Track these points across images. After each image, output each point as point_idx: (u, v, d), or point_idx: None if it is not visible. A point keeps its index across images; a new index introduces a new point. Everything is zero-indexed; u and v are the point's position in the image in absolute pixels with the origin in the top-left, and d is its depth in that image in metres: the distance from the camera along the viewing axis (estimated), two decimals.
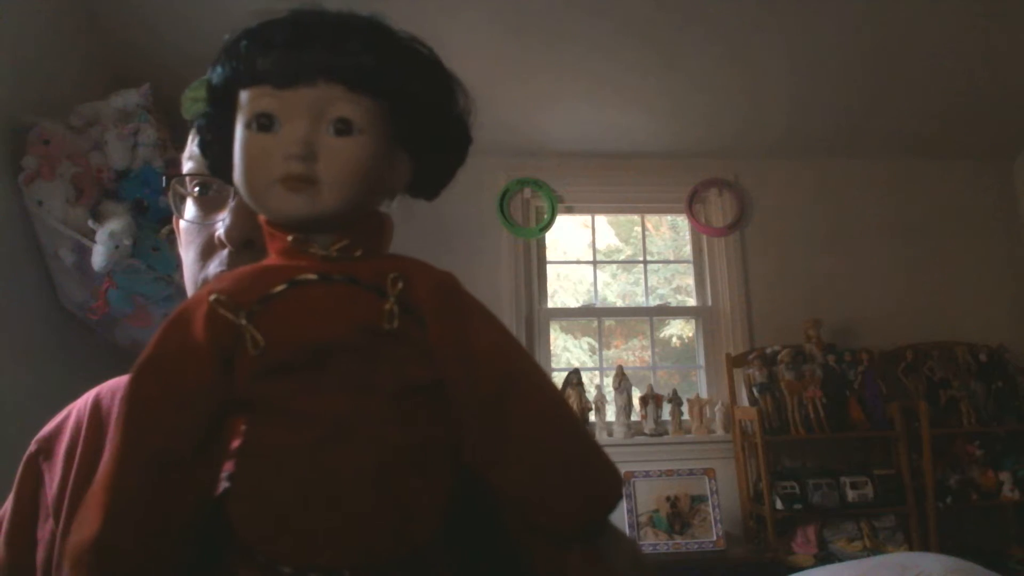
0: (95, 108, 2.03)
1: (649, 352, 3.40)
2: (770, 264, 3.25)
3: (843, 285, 3.24)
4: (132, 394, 0.40)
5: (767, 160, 3.33)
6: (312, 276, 0.41)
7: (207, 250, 0.61)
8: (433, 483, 0.42)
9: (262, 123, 0.41)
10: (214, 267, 0.60)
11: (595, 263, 3.41)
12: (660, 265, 3.54)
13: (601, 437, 2.96)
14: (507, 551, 0.46)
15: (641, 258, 3.45)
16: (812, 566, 2.43)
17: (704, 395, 3.16)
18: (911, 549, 2.71)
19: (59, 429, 0.68)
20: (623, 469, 2.57)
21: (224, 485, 0.41)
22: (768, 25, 2.59)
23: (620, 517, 2.74)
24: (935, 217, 3.37)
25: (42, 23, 2.11)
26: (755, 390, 2.94)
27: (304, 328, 0.40)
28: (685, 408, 3.07)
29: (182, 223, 0.65)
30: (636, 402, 3.07)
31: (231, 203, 0.59)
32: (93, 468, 0.62)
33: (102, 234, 1.86)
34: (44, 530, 0.64)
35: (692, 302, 3.37)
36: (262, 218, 0.43)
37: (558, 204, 3.20)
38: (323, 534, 0.38)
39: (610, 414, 3.06)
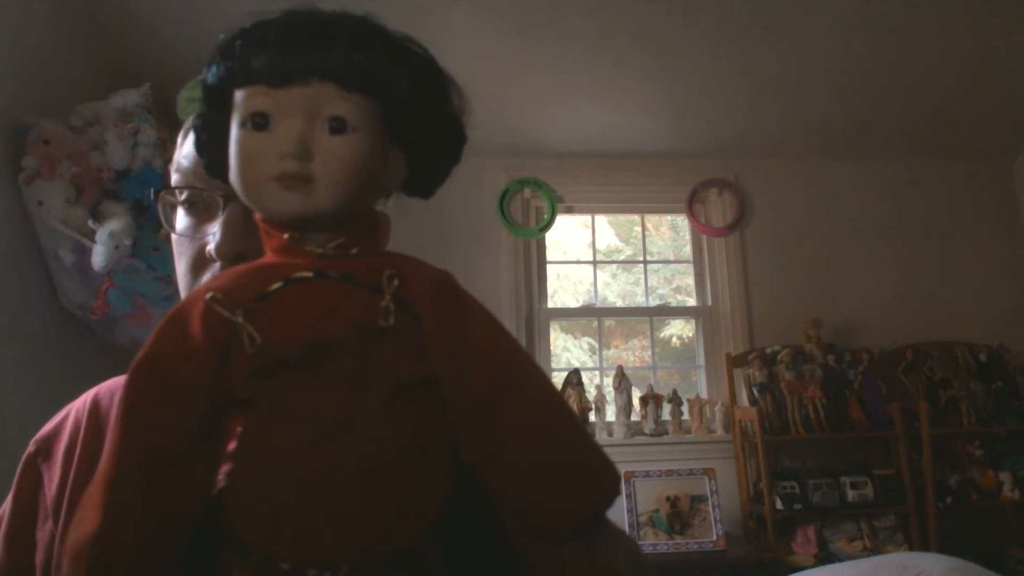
0: (95, 108, 2.03)
1: (649, 352, 3.40)
2: (770, 264, 3.25)
3: (843, 285, 3.24)
4: (129, 392, 0.40)
5: (767, 160, 3.33)
6: (308, 274, 0.41)
7: (198, 263, 0.61)
8: (430, 480, 0.42)
9: (257, 122, 0.41)
10: (206, 280, 0.60)
11: (595, 263, 3.41)
12: (660, 265, 3.54)
13: (601, 437, 2.96)
14: (505, 548, 0.46)
15: (641, 258, 3.45)
16: (812, 566, 2.43)
17: (704, 395, 3.16)
18: (911, 549, 2.71)
19: (58, 429, 0.68)
20: (623, 469, 2.57)
21: (221, 483, 0.41)
22: (768, 25, 2.59)
23: (620, 517, 2.74)
24: (935, 217, 3.37)
25: (42, 23, 2.11)
26: (755, 390, 2.94)
27: (300, 325, 0.40)
28: (685, 408, 3.07)
29: (173, 234, 0.65)
30: (636, 402, 3.07)
31: (221, 216, 0.58)
32: (92, 468, 0.62)
33: (102, 234, 1.86)
34: (43, 531, 0.64)
35: (692, 302, 3.37)
36: (258, 216, 0.43)
37: (558, 204, 3.20)
38: (320, 531, 0.39)
39: (610, 414, 3.06)
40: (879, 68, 2.83)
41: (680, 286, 3.53)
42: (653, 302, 3.41)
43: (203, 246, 0.61)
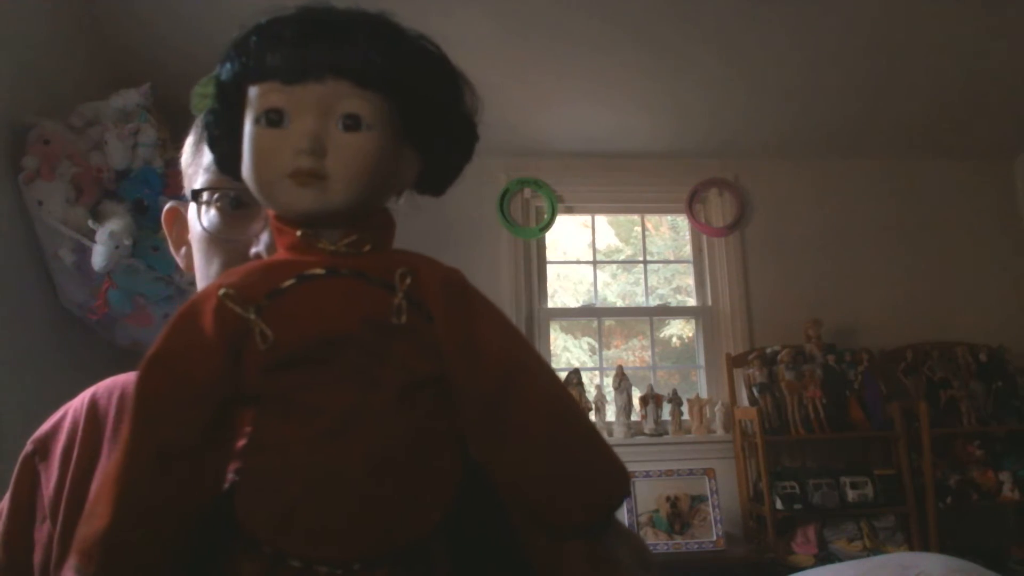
0: (95, 108, 2.03)
1: (649, 352, 3.40)
2: (770, 264, 3.25)
3: (843, 285, 3.24)
4: (142, 387, 0.40)
5: (767, 160, 3.33)
6: (320, 271, 0.41)
7: (240, 264, 0.60)
8: (439, 476, 0.42)
9: (271, 118, 0.41)
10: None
11: (595, 263, 3.41)
12: (660, 265, 3.54)
13: None
14: (512, 546, 0.46)
15: (641, 258, 3.45)
16: (812, 566, 2.43)
17: (704, 395, 3.16)
18: (911, 549, 2.71)
19: (55, 429, 0.67)
20: None
21: (232, 479, 0.41)
22: (768, 25, 2.59)
23: (620, 517, 2.74)
24: (935, 217, 3.37)
25: (42, 23, 2.11)
26: (755, 390, 2.94)
27: (312, 322, 0.40)
28: (685, 408, 3.07)
29: (198, 234, 0.63)
30: (636, 402, 3.07)
31: (264, 219, 0.58)
32: (91, 468, 0.62)
33: (102, 234, 1.85)
34: (41, 531, 0.63)
35: (692, 302, 3.37)
36: (270, 213, 0.44)
37: (558, 204, 3.20)
38: (330, 526, 0.39)
39: (610, 414, 3.06)
40: (879, 68, 2.83)
41: (680, 286, 3.54)
42: (653, 302, 3.41)
43: (241, 247, 0.60)
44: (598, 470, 0.44)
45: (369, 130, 0.41)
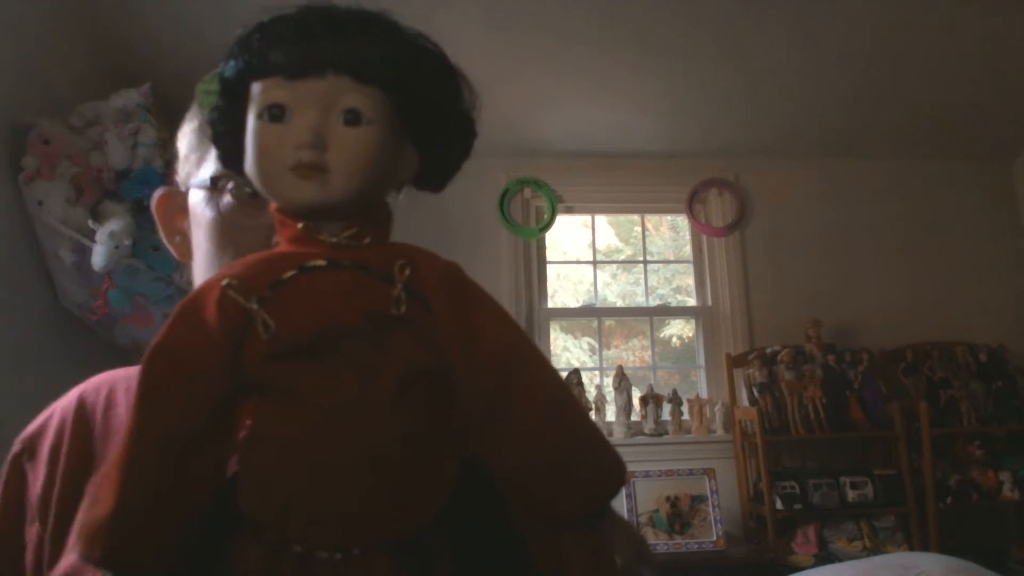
0: (95, 108, 2.03)
1: (649, 352, 3.40)
2: (770, 264, 3.25)
3: (843, 285, 3.24)
4: (145, 376, 0.41)
5: (767, 160, 3.33)
6: (321, 262, 0.42)
7: (252, 251, 0.59)
8: (437, 465, 0.43)
9: (274, 113, 0.42)
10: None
11: (595, 263, 3.42)
12: (660, 265, 3.54)
13: None
14: (509, 537, 0.47)
15: (641, 258, 3.46)
16: (812, 566, 2.43)
17: (704, 395, 3.16)
18: (911, 549, 2.71)
19: (42, 428, 0.67)
20: None
21: (234, 466, 0.42)
22: (768, 25, 2.59)
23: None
24: (935, 217, 3.37)
25: (42, 23, 2.11)
26: (755, 390, 2.94)
27: (313, 313, 0.41)
28: (685, 408, 3.07)
29: (209, 220, 0.62)
30: (636, 402, 3.07)
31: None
32: (80, 466, 0.62)
33: (102, 234, 1.85)
34: (31, 532, 0.63)
35: (692, 302, 3.37)
36: (273, 206, 0.44)
37: (558, 204, 3.20)
38: (330, 515, 0.40)
39: (610, 414, 3.06)
40: (879, 68, 2.83)
41: (680, 286, 3.54)
42: (653, 302, 3.41)
43: (258, 234, 0.58)
44: (595, 460, 0.44)
45: (369, 125, 0.42)
